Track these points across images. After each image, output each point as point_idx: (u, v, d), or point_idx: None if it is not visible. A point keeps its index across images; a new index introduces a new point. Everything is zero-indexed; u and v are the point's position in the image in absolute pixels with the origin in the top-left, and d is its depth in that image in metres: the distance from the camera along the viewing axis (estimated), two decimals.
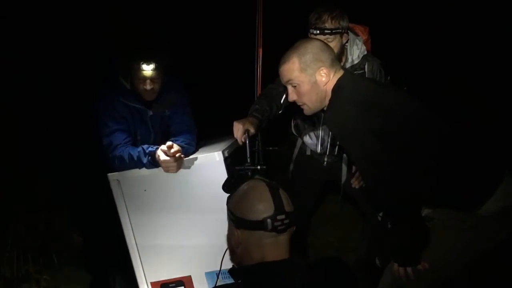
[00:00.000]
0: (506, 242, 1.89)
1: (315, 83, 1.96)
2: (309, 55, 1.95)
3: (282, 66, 2.00)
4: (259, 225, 1.36)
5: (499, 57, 4.59)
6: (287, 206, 1.39)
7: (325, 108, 2.02)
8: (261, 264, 1.36)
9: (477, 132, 1.95)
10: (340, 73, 1.99)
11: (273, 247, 1.38)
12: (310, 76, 1.96)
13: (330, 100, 1.97)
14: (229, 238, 1.47)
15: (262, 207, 1.37)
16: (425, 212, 1.91)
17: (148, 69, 2.29)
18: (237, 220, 1.40)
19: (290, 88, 2.03)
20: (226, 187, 1.66)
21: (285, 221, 1.37)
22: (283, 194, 1.41)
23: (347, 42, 2.44)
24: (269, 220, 1.35)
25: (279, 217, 1.36)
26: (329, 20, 2.33)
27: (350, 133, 1.84)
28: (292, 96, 2.03)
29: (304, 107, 2.05)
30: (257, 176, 1.49)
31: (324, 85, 1.97)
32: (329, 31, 2.33)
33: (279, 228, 1.36)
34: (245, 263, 1.41)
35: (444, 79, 4.80)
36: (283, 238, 1.39)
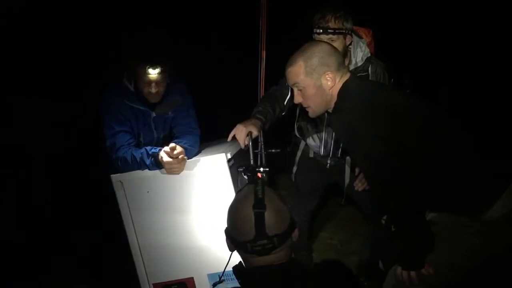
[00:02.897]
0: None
1: (320, 87, 1.96)
2: (316, 59, 1.95)
3: (288, 69, 2.00)
4: (240, 245, 1.33)
5: (503, 60, 4.58)
6: (272, 229, 1.30)
7: (330, 111, 2.02)
8: (261, 268, 1.34)
9: (483, 136, 1.93)
10: (346, 77, 1.98)
11: (260, 261, 1.34)
12: (316, 80, 1.95)
13: (336, 103, 1.97)
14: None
15: (243, 230, 1.32)
16: (430, 216, 1.89)
17: (153, 73, 2.28)
18: (226, 230, 1.40)
19: (295, 91, 2.03)
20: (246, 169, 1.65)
21: (267, 246, 1.30)
22: (271, 215, 1.31)
23: (350, 44, 2.44)
24: (248, 244, 1.31)
25: (259, 243, 1.30)
26: (333, 20, 2.34)
27: (355, 136, 1.83)
28: (298, 99, 2.04)
29: (309, 110, 2.06)
30: (259, 180, 1.44)
31: (329, 89, 1.97)
32: (332, 31, 2.33)
33: (260, 251, 1.31)
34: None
35: (448, 82, 4.78)
36: (269, 256, 1.33)
